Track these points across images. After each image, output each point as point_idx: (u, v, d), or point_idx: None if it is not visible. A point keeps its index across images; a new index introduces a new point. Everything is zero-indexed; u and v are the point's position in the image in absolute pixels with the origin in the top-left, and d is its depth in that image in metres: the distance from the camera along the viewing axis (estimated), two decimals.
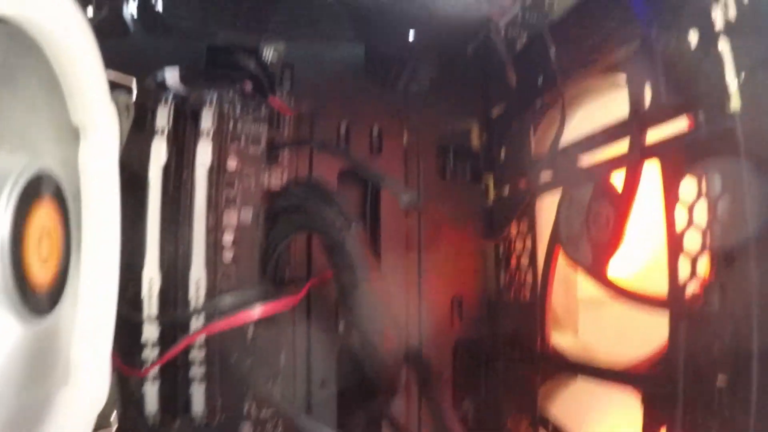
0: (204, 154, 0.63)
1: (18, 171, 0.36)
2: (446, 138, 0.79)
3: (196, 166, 0.61)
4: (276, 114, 0.70)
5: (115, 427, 0.49)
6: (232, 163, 0.64)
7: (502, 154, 0.77)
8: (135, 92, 0.54)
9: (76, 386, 0.45)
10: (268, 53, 0.65)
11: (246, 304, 0.61)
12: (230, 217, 0.64)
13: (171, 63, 0.63)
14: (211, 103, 0.63)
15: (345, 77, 0.74)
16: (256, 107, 0.66)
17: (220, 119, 0.63)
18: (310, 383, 0.70)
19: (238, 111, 0.64)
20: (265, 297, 0.63)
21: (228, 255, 0.63)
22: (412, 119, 0.77)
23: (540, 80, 0.67)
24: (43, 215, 0.39)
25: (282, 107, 0.69)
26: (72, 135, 0.48)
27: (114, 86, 0.52)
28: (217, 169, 0.62)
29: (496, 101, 0.78)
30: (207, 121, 0.62)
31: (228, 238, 0.63)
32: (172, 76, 0.63)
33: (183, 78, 0.63)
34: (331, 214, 0.61)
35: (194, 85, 0.63)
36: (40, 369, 0.41)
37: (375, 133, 0.76)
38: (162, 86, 0.62)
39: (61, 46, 0.41)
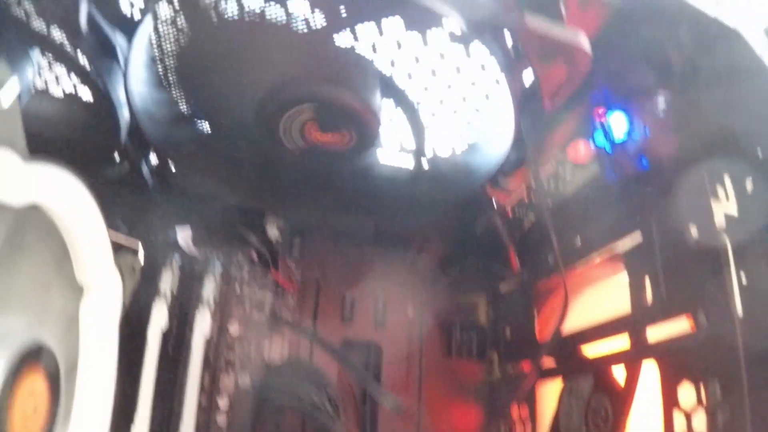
0: (203, 323, 0.63)
1: (14, 338, 0.37)
2: (452, 313, 0.79)
3: (194, 334, 0.62)
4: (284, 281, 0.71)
5: None
6: (234, 328, 0.64)
7: (508, 333, 0.76)
8: (141, 255, 0.56)
9: None
10: (272, 229, 0.68)
11: None
12: (227, 381, 0.63)
13: (183, 222, 0.66)
14: (217, 268, 0.64)
15: (353, 248, 0.76)
16: (263, 274, 0.67)
17: (226, 283, 0.64)
18: None
19: (245, 275, 0.66)
20: None
21: (221, 419, 0.62)
22: (419, 293, 0.78)
23: (543, 264, 0.68)
24: (33, 384, 0.39)
25: (284, 283, 0.71)
26: (76, 292, 0.49)
27: (120, 248, 0.54)
28: (217, 334, 0.63)
29: (504, 278, 0.78)
30: (210, 288, 0.63)
31: (223, 402, 0.62)
32: (183, 236, 0.65)
33: (193, 238, 0.65)
34: (322, 400, 0.62)
35: (203, 246, 0.65)
36: None
37: (381, 305, 0.77)
38: (173, 245, 0.64)
39: (70, 220, 0.44)
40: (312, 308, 0.75)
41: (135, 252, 0.56)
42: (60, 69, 0.62)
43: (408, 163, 0.61)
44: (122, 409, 0.56)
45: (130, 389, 0.58)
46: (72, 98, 0.66)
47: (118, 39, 0.52)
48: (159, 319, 0.61)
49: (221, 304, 0.64)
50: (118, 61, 0.54)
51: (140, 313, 0.59)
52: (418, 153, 0.58)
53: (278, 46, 0.47)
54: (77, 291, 0.49)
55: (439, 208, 0.66)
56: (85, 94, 0.64)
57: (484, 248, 0.76)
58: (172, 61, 0.49)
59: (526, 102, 0.49)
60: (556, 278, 0.67)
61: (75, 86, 0.64)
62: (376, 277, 0.77)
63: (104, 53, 0.53)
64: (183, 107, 0.54)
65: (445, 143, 0.58)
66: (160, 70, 0.51)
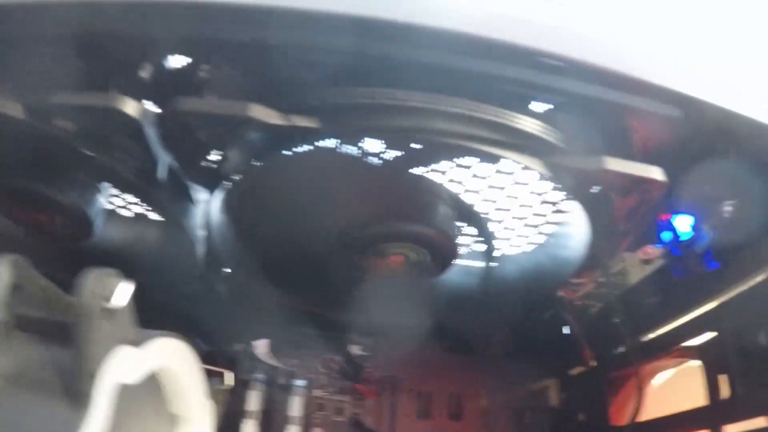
0: None
1: None
2: (523, 399, 0.80)
3: None
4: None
5: None
6: None
7: (581, 417, 0.77)
8: (230, 377, 0.59)
9: None
10: (356, 348, 0.70)
11: None
12: None
13: (261, 335, 0.69)
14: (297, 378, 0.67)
15: (424, 346, 0.76)
16: (341, 379, 0.70)
17: (307, 391, 0.67)
18: None
19: (324, 381, 0.69)
20: None
21: None
22: (489, 383, 0.79)
23: (615, 355, 0.69)
24: None
25: (366, 392, 0.73)
26: (168, 420, 0.52)
27: (211, 373, 0.57)
28: None
29: (574, 363, 0.79)
30: (294, 408, 0.66)
31: None
32: (261, 349, 0.68)
33: (272, 350, 0.68)
34: None
35: (283, 357, 0.68)
36: None
37: (455, 398, 0.78)
38: (253, 357, 0.67)
39: (171, 366, 0.47)
40: (389, 407, 0.76)
41: (222, 378, 0.59)
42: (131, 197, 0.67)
43: (478, 265, 0.63)
44: None
45: None
46: (143, 218, 0.70)
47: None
48: None
49: (303, 412, 0.67)
50: (191, 197, 0.57)
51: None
52: (488, 257, 0.61)
53: (354, 183, 0.50)
54: (170, 422, 0.52)
55: (508, 309, 0.68)
56: (156, 216, 0.69)
57: (552, 335, 0.78)
58: (250, 201, 0.53)
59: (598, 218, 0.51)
60: (627, 368, 0.68)
61: (146, 210, 0.69)
62: (449, 370, 0.78)
63: (178, 192, 0.56)
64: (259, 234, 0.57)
65: (515, 249, 0.61)
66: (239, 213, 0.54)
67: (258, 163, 0.46)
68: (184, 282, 0.69)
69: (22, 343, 0.36)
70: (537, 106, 0.44)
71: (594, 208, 0.48)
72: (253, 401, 0.65)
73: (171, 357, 0.46)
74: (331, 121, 0.40)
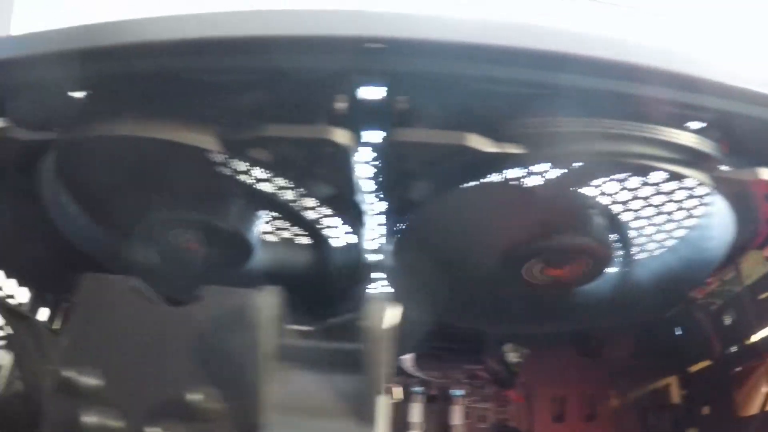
0: None
1: None
2: (647, 398, 0.83)
3: None
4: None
5: None
6: None
7: (706, 410, 0.80)
8: (399, 395, 0.65)
9: None
10: (513, 356, 0.75)
11: None
12: None
13: (407, 348, 0.73)
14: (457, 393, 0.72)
15: (560, 351, 0.81)
16: (483, 386, 0.75)
17: (447, 401, 0.72)
18: None
19: (468, 390, 0.73)
20: None
21: None
22: (619, 384, 0.82)
23: (739, 346, 0.72)
24: None
25: (516, 397, 0.78)
26: None
27: None
28: None
29: (696, 359, 0.81)
30: (457, 418, 0.72)
31: None
32: (408, 363, 0.73)
33: (417, 363, 0.73)
34: None
35: (426, 370, 0.73)
36: None
37: (588, 400, 0.81)
38: (404, 372, 0.73)
39: None
40: (527, 412, 0.80)
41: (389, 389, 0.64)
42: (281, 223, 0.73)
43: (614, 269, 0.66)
44: None
45: None
46: (289, 242, 0.76)
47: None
48: None
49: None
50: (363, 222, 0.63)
51: None
52: (626, 263, 0.65)
53: (520, 203, 0.55)
54: None
55: (640, 311, 0.71)
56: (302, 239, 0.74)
57: (673, 333, 0.81)
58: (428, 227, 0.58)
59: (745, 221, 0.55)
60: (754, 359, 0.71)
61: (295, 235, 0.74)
62: (581, 373, 0.81)
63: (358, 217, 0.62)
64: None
65: (652, 253, 0.65)
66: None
67: (463, 186, 0.51)
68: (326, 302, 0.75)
69: (290, 373, 0.41)
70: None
71: (743, 211, 0.52)
72: (416, 413, 0.70)
73: None
74: (536, 147, 0.45)
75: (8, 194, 0.61)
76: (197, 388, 0.41)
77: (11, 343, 0.65)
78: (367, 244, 0.65)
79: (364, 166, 0.54)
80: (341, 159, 0.50)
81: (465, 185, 0.51)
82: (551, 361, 0.81)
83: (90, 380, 0.46)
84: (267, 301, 0.42)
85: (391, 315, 0.39)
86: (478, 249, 0.60)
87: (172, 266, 0.73)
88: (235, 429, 0.40)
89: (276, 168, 0.54)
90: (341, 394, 0.39)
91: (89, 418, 0.43)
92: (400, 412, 0.70)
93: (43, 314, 0.73)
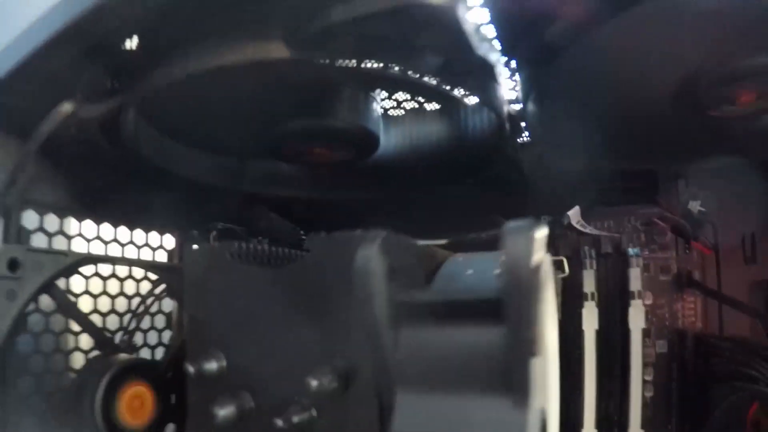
0: (638, 319, 0.65)
1: None
2: None
3: (630, 330, 0.64)
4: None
5: None
6: (646, 296, 0.65)
7: None
8: (566, 269, 0.60)
9: None
10: (695, 205, 0.67)
11: None
12: (647, 351, 0.65)
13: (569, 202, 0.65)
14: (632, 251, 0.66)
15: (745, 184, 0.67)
16: (661, 234, 0.66)
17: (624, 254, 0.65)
18: None
19: (644, 239, 0.66)
20: None
21: (647, 394, 0.64)
22: None
23: None
24: None
25: (704, 248, 0.70)
26: None
27: None
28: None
29: None
30: (636, 283, 0.64)
31: (648, 372, 0.64)
32: (575, 219, 0.65)
33: (584, 217, 0.65)
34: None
35: (596, 219, 0.67)
36: None
37: None
38: (570, 227, 0.65)
39: None
40: (713, 256, 0.72)
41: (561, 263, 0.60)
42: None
43: None
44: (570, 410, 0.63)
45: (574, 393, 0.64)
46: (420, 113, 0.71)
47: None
48: (591, 320, 0.64)
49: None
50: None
51: (573, 319, 0.64)
52: None
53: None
54: None
55: None
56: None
57: None
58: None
59: None
60: None
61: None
62: None
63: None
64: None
65: None
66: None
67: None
68: (485, 165, 0.71)
69: (417, 336, 0.33)
70: None
71: None
72: (588, 281, 0.65)
73: None
74: None
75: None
76: (321, 367, 0.38)
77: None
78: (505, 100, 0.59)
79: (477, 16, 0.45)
80: (441, 20, 0.42)
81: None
82: (738, 197, 0.70)
83: (213, 364, 0.45)
84: (373, 257, 0.34)
85: (539, 242, 0.30)
86: (650, 84, 0.52)
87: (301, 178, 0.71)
88: (365, 408, 0.37)
89: (370, 53, 0.48)
90: (486, 359, 0.30)
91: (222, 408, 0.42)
92: (571, 281, 0.64)
93: None
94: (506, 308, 0.29)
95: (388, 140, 0.70)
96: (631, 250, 0.65)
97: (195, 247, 0.54)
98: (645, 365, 0.64)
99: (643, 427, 0.63)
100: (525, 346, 0.29)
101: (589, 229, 0.68)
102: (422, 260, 0.46)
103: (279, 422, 0.42)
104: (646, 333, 0.65)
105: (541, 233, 0.30)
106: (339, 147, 0.66)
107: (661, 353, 0.65)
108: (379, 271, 0.34)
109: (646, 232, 0.66)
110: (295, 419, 0.42)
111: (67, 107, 0.53)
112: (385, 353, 0.34)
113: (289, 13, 0.45)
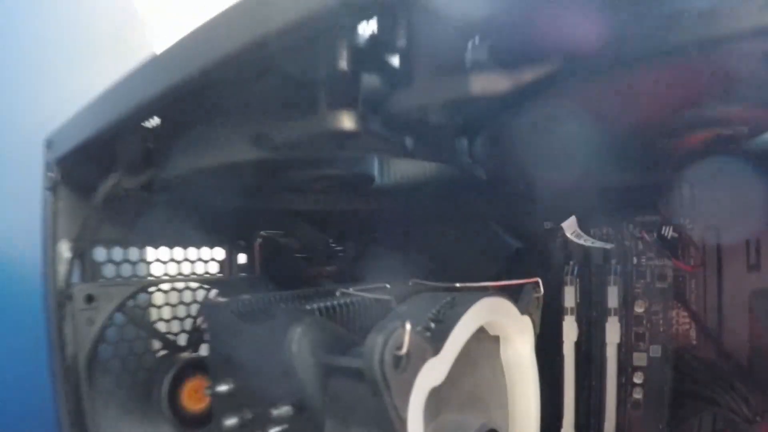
0: (613, 333, 0.70)
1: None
2: None
3: (606, 344, 0.70)
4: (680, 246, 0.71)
5: None
6: (639, 303, 0.70)
7: None
8: (541, 289, 0.66)
9: None
10: (668, 230, 0.68)
11: None
12: (639, 356, 0.70)
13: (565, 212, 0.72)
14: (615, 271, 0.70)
15: (746, 194, 0.67)
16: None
17: (624, 259, 0.70)
18: None
19: (641, 246, 0.70)
20: None
21: (636, 396, 0.70)
22: None
23: None
24: None
25: (684, 266, 0.71)
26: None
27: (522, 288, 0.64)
28: (624, 312, 0.70)
29: None
30: (613, 300, 0.69)
31: (638, 377, 0.70)
32: (570, 230, 0.71)
33: (581, 226, 0.71)
34: (735, 400, 0.62)
35: (594, 227, 0.72)
36: None
37: None
38: (566, 242, 0.72)
39: None
40: (715, 263, 0.71)
41: (537, 285, 0.65)
42: None
43: None
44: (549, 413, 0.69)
45: (554, 397, 0.71)
46: None
47: None
48: (570, 332, 0.71)
49: (624, 281, 0.70)
50: None
51: (552, 332, 0.70)
52: None
53: None
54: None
55: None
56: None
57: None
58: None
59: None
60: None
61: None
62: None
63: None
64: None
65: None
66: None
67: None
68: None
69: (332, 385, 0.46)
70: None
71: None
72: (569, 297, 0.71)
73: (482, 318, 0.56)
74: None
75: None
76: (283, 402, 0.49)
77: None
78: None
79: None
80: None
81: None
82: (743, 199, 0.68)
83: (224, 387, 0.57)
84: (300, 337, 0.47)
85: (396, 340, 0.42)
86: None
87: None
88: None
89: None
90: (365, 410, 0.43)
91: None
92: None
93: None
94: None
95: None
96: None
97: (212, 306, 0.66)
98: (635, 369, 0.70)
99: (635, 427, 0.70)
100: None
101: (582, 240, 0.72)
102: None
103: None
104: (640, 338, 0.70)
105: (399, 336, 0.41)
106: (337, 187, 0.75)
107: (654, 357, 0.70)
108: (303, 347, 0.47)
109: (644, 239, 0.69)
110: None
111: (113, 178, 0.67)
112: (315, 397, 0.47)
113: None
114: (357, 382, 0.42)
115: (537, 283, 0.66)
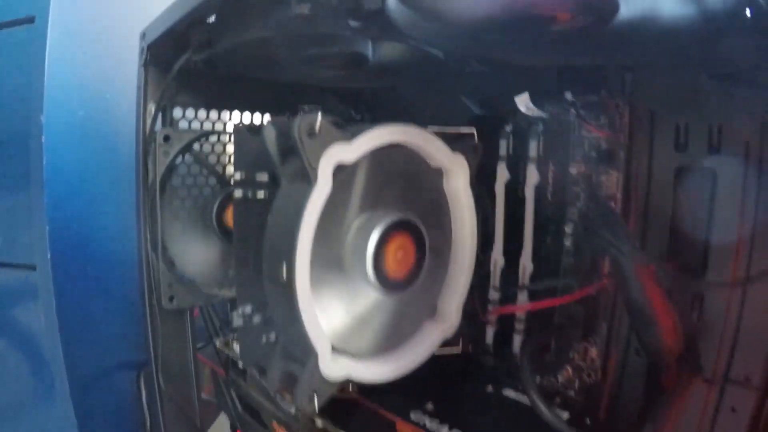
0: (533, 177, 0.89)
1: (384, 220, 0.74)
2: None
3: (527, 186, 0.89)
4: (614, 118, 0.83)
5: (458, 348, 0.84)
6: (575, 167, 0.85)
7: None
8: (475, 137, 0.85)
9: (438, 320, 0.83)
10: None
11: (557, 290, 0.86)
12: (573, 211, 0.86)
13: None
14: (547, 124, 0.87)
15: (683, 75, 0.74)
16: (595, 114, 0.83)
17: (562, 130, 0.86)
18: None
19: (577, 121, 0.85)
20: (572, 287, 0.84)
21: (567, 243, 0.87)
22: (756, 113, 0.73)
23: None
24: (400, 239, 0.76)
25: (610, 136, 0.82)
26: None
27: (463, 136, 0.84)
28: (561, 175, 0.86)
29: None
30: (533, 149, 0.88)
31: (568, 230, 0.87)
32: (522, 101, 0.85)
33: (534, 100, 0.84)
34: (614, 238, 0.75)
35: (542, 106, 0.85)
36: (408, 312, 0.79)
37: (715, 129, 0.76)
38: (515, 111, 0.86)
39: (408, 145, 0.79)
40: (647, 140, 0.82)
41: (472, 136, 0.85)
42: None
43: None
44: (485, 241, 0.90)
45: (487, 227, 0.92)
46: None
47: None
48: (502, 177, 0.91)
49: (559, 149, 0.87)
50: None
51: (488, 175, 0.90)
52: None
53: None
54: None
55: None
56: None
57: None
58: None
59: None
60: None
61: None
62: (710, 100, 0.75)
63: None
64: None
65: None
66: None
67: None
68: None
69: None
70: None
71: None
72: (503, 147, 0.90)
73: (394, 137, 0.76)
74: None
75: None
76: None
77: None
78: None
79: None
80: None
81: None
82: (676, 84, 0.76)
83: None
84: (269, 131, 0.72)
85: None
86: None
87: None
88: None
89: None
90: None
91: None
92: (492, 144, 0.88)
93: None
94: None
95: None
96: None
97: (236, 128, 0.92)
98: (568, 221, 0.87)
99: (566, 272, 0.87)
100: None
101: (527, 110, 0.90)
102: None
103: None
104: (576, 196, 0.86)
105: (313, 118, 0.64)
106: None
107: (583, 212, 0.87)
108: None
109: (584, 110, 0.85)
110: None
111: (185, 57, 0.94)
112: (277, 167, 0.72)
113: None
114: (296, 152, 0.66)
115: (472, 133, 0.86)
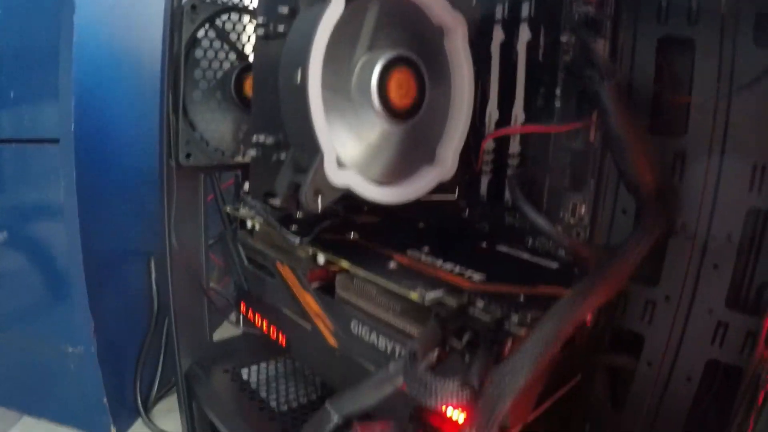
0: (524, 35, 0.95)
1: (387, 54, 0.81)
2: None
3: (518, 44, 0.96)
4: None
5: (454, 195, 0.91)
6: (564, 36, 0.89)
7: None
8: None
9: (436, 164, 0.90)
10: None
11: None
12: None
13: None
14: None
15: None
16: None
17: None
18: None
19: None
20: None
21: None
22: None
23: None
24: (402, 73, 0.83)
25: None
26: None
27: None
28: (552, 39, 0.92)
29: None
30: (526, 10, 0.94)
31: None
32: None
33: None
34: (592, 69, 0.80)
35: None
36: (409, 150, 0.86)
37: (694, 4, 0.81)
38: None
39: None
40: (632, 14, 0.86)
41: None
42: None
43: None
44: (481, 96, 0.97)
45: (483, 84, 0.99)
46: None
47: None
48: (497, 38, 0.97)
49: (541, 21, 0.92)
50: None
51: (483, 35, 0.98)
52: None
53: None
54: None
55: None
56: None
57: None
58: None
59: None
60: None
61: None
62: None
63: None
64: None
65: None
66: None
67: None
68: None
69: None
70: None
71: None
72: (498, 11, 0.96)
73: None
74: None
75: None
76: None
77: None
78: None
79: None
80: None
81: None
82: None
83: None
84: None
85: None
86: None
87: None
88: None
89: None
90: None
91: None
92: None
93: None
94: None
95: None
96: None
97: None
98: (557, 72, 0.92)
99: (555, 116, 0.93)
100: None
101: None
102: None
103: None
104: (564, 52, 0.92)
105: None
106: None
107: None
108: None
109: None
110: None
111: None
112: None
113: None
114: None
115: None
